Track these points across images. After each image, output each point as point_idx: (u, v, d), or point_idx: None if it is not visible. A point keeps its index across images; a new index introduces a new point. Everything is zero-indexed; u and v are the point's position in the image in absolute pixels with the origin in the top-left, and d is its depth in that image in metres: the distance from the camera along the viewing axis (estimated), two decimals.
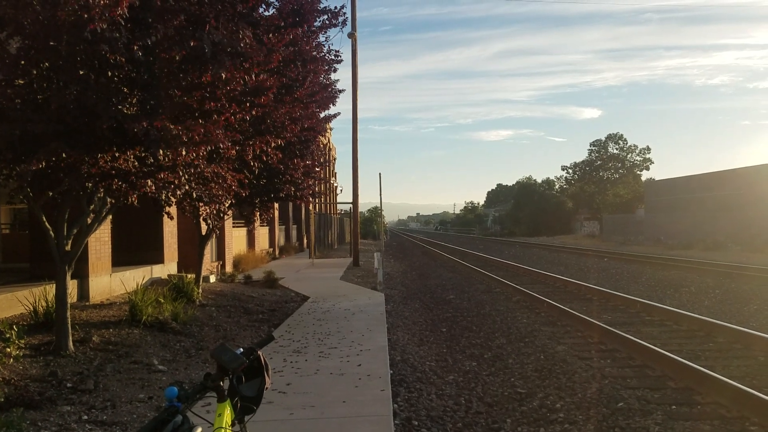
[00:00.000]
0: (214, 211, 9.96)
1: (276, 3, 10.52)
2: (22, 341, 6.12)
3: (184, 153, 5.91)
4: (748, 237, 30.47)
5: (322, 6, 11.41)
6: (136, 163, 6.20)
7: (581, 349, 8.10)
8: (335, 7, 11.61)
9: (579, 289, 14.36)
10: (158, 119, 5.50)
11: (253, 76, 6.35)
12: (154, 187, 6.57)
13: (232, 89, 6.19)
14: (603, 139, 70.37)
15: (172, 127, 5.52)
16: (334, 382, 5.99)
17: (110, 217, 9.15)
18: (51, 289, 7.65)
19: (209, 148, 6.34)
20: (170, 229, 13.67)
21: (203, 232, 11.89)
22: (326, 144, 40.74)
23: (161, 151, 5.80)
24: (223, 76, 5.85)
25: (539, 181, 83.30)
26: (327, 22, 11.71)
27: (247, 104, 6.72)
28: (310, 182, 13.36)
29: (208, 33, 5.75)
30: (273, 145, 8.76)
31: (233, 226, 19.02)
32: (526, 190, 78.83)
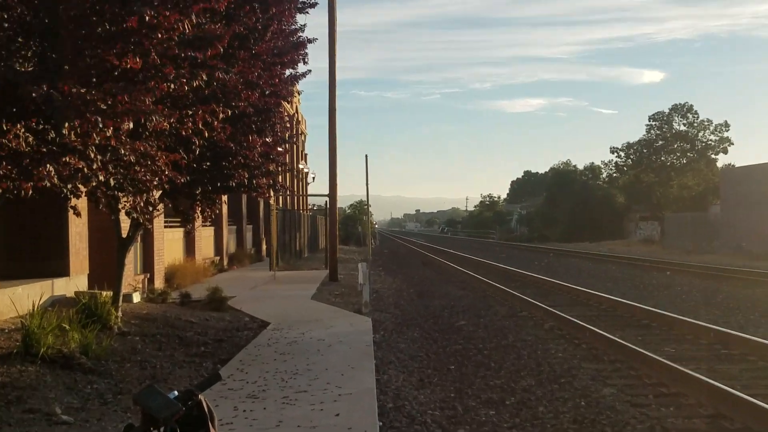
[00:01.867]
0: (141, 203, 9.86)
1: None
2: None
3: (100, 128, 5.83)
4: None
5: None
6: (31, 140, 6.14)
7: (635, 392, 8.17)
8: None
9: (632, 313, 14.46)
10: (64, 80, 5.44)
11: (193, 18, 6.26)
12: (56, 177, 6.49)
13: (165, 39, 6.11)
14: (666, 111, 70.90)
15: (83, 91, 5.46)
16: None
17: None
18: None
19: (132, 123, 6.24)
20: (78, 229, 13.59)
21: (124, 234, 11.83)
22: (293, 115, 40.76)
23: (67, 124, 5.73)
24: (147, 18, 5.75)
25: (581, 167, 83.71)
26: None
27: (187, 63, 6.64)
28: (271, 167, 13.32)
29: None
30: (221, 116, 8.72)
31: (165, 227, 18.95)
32: (563, 179, 79.15)
